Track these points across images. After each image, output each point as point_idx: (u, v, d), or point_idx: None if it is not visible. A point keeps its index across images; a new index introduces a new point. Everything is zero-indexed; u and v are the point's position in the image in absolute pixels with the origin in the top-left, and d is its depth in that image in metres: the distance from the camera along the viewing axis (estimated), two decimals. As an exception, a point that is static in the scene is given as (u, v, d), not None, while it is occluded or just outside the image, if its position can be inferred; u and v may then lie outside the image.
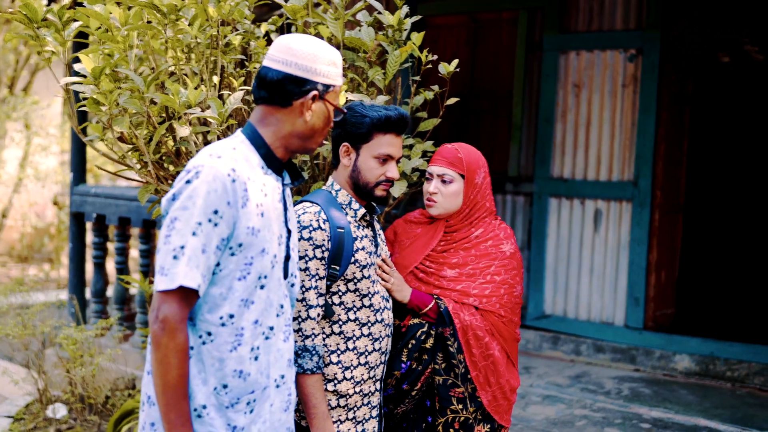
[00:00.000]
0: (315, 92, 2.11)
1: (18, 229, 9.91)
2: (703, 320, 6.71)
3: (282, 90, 2.10)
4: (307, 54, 2.11)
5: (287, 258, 2.18)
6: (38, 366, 4.82)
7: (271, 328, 2.12)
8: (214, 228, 1.94)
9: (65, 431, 4.66)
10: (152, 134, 2.89)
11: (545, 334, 6.20)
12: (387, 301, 2.64)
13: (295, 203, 2.51)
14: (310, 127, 2.14)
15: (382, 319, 2.58)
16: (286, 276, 2.18)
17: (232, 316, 2.02)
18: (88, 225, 5.81)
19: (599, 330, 6.07)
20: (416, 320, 2.75)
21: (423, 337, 2.72)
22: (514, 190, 6.59)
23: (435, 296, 2.77)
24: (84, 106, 2.86)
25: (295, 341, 2.37)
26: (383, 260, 2.65)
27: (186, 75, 3.07)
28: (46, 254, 10.20)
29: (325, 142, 2.86)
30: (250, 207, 2.01)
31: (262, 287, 2.07)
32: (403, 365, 2.70)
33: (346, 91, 2.90)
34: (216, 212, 1.94)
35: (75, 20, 2.97)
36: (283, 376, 2.17)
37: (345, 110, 2.23)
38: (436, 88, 3.28)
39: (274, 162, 2.15)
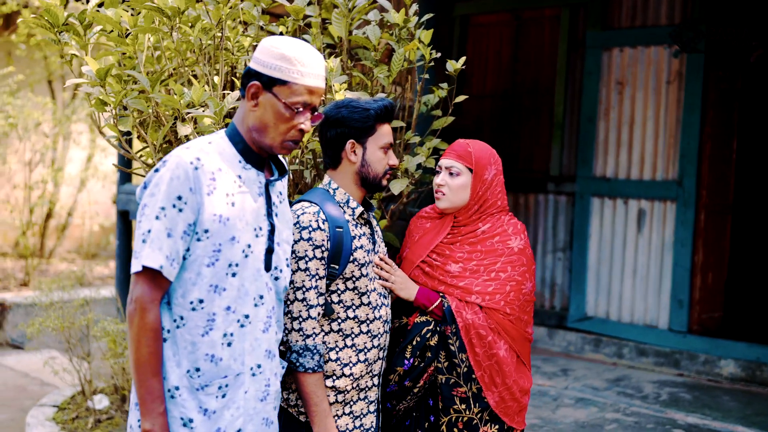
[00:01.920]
0: (256, 83, 2.13)
1: (84, 227, 10.30)
2: (752, 324, 6.46)
3: (243, 82, 2.19)
4: (265, 49, 2.16)
5: (270, 250, 2.22)
6: (83, 358, 5.01)
7: (247, 317, 2.17)
8: (179, 213, 2.04)
9: (105, 421, 4.83)
10: (164, 133, 2.98)
11: (587, 336, 6.08)
12: (385, 297, 2.65)
13: (294, 202, 2.55)
14: (258, 118, 2.17)
15: (380, 316, 2.59)
16: (268, 268, 2.22)
17: (201, 301, 2.10)
18: (134, 223, 6.01)
19: (642, 333, 5.92)
20: (423, 318, 2.75)
21: (428, 335, 2.71)
22: (555, 190, 6.48)
23: (441, 294, 2.76)
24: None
25: (296, 341, 2.41)
26: (381, 259, 2.67)
27: (195, 76, 3.15)
28: (111, 251, 10.57)
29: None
30: (217, 196, 2.09)
31: (233, 275, 2.13)
32: (407, 362, 2.70)
33: (345, 89, 2.93)
34: (180, 198, 2.04)
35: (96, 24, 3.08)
36: (260, 366, 2.22)
37: (322, 114, 2.25)
38: (445, 85, 3.27)
39: (251, 157, 2.21)
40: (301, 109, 2.16)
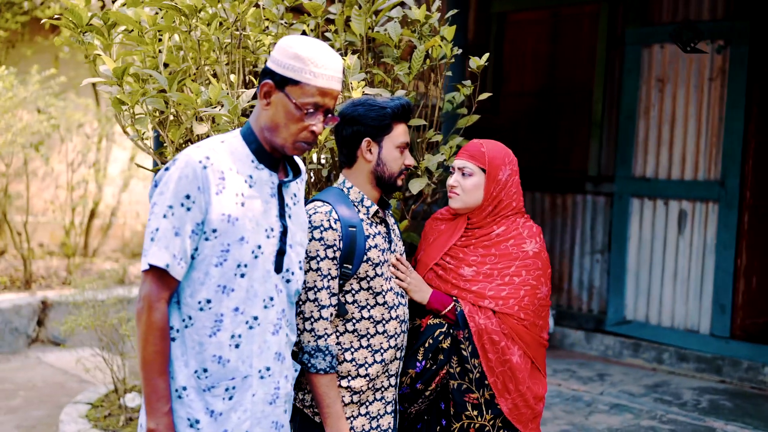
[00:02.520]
0: (268, 81, 2.11)
1: (127, 227, 10.46)
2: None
3: (259, 81, 2.17)
4: (280, 48, 2.13)
5: (281, 252, 2.19)
6: (118, 355, 5.06)
7: (256, 318, 2.15)
8: (187, 212, 2.03)
9: (136, 420, 4.87)
10: (183, 132, 2.97)
11: (625, 340, 5.93)
12: (402, 297, 2.61)
13: (307, 202, 2.52)
14: (270, 118, 2.14)
15: (397, 316, 2.55)
16: (279, 270, 2.19)
17: (209, 301, 2.08)
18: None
19: (683, 338, 5.74)
20: (436, 320, 2.70)
21: (441, 338, 2.66)
22: (594, 190, 6.33)
23: (454, 298, 2.71)
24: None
25: (308, 341, 2.39)
26: (398, 260, 2.62)
27: (216, 75, 3.14)
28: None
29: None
30: (226, 195, 2.07)
31: (242, 276, 2.11)
32: (419, 364, 2.66)
33: (365, 87, 2.88)
34: (188, 197, 2.03)
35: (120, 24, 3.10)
36: (269, 368, 2.19)
37: (336, 117, 2.21)
38: (468, 83, 3.19)
39: (265, 157, 2.18)
40: (312, 111, 2.12)
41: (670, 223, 5.87)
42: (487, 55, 3.13)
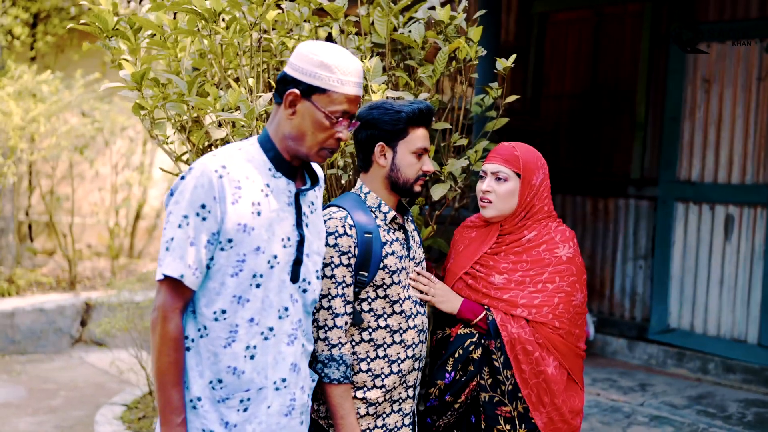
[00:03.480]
0: (294, 91, 2.07)
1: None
2: None
3: (278, 88, 2.13)
4: (300, 55, 2.10)
5: (298, 262, 2.15)
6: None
7: (271, 329, 2.12)
8: (203, 222, 2.01)
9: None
10: (204, 137, 2.96)
11: (669, 349, 5.74)
12: (421, 306, 2.54)
13: (323, 207, 2.47)
14: (296, 127, 2.10)
15: (415, 326, 2.48)
16: (295, 280, 2.16)
17: (224, 312, 2.06)
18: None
19: (729, 347, 5.53)
20: (466, 330, 2.61)
21: (471, 348, 2.57)
22: (636, 194, 6.15)
23: (485, 306, 2.62)
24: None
25: (322, 350, 2.35)
26: (418, 273, 2.55)
27: (238, 79, 3.11)
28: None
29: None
30: (242, 204, 2.04)
31: (258, 286, 2.08)
32: (447, 375, 2.57)
33: (386, 90, 2.82)
34: (203, 206, 2.00)
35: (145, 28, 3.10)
36: (284, 380, 2.15)
37: (357, 122, 2.17)
38: (495, 85, 3.10)
39: (283, 165, 2.15)
40: (340, 118, 2.09)
41: (717, 228, 5.66)
42: (514, 56, 3.04)
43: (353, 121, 2.16)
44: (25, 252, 8.38)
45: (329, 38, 3.32)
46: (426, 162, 2.45)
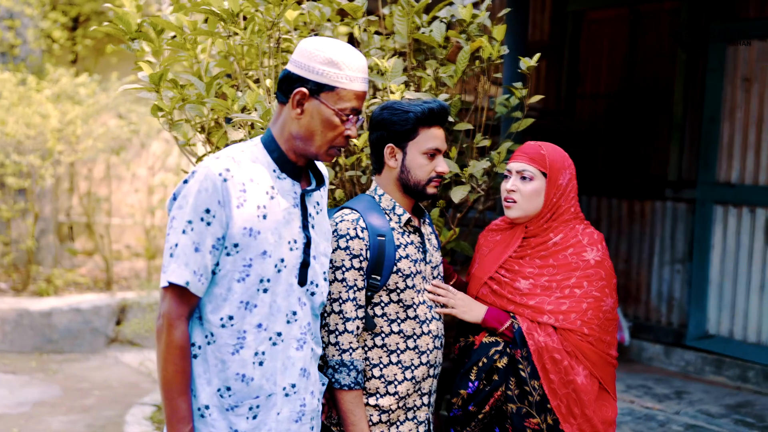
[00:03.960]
0: (302, 89, 2.03)
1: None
2: None
3: (282, 87, 2.09)
4: (306, 52, 2.05)
5: (305, 264, 2.11)
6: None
7: (279, 334, 2.08)
8: (207, 227, 1.96)
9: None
10: (223, 137, 2.94)
11: (707, 356, 5.57)
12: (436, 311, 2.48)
13: (336, 209, 2.43)
14: (304, 127, 2.06)
15: (429, 331, 2.42)
16: (303, 283, 2.11)
17: (231, 318, 2.02)
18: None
19: (770, 355, 5.36)
20: (491, 338, 2.53)
21: (496, 357, 2.49)
22: (674, 197, 5.99)
23: (511, 314, 2.54)
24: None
25: (333, 355, 2.31)
26: (435, 285, 2.48)
27: (258, 80, 3.09)
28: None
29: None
30: (247, 208, 2.00)
31: (265, 291, 2.04)
32: (471, 385, 2.49)
33: (404, 90, 2.77)
34: (208, 211, 1.96)
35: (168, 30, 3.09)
36: (294, 385, 2.11)
37: (362, 118, 2.13)
38: (519, 85, 3.03)
39: (287, 166, 2.11)
40: (350, 116, 2.05)
41: (757, 231, 5.48)
42: (538, 55, 2.96)
43: (361, 117, 2.12)
44: (64, 252, 8.52)
45: (351, 38, 3.29)
46: (440, 163, 2.38)
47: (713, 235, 5.69)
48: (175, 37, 3.01)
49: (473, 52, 3.06)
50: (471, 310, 2.52)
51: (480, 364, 2.49)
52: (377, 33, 3.54)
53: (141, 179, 8.85)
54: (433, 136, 2.37)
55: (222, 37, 2.89)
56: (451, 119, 2.78)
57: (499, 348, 2.49)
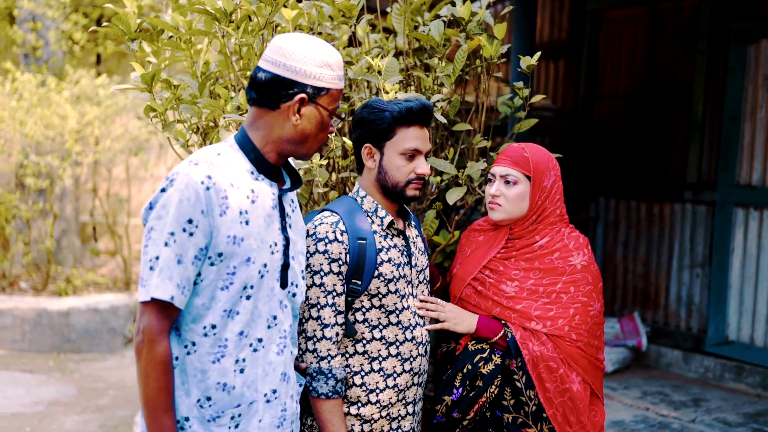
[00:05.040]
0: (303, 95, 1.99)
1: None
2: None
3: (270, 92, 2.01)
4: (296, 55, 1.99)
5: (285, 266, 2.07)
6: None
7: (260, 340, 2.03)
8: (190, 238, 1.89)
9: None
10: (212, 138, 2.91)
11: (727, 362, 5.44)
12: (420, 317, 2.41)
13: (317, 212, 2.38)
14: (300, 131, 2.02)
15: (413, 338, 2.36)
16: (285, 285, 2.07)
17: (214, 327, 1.96)
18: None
19: (792, 362, 5.20)
20: (477, 345, 2.49)
21: (480, 363, 2.45)
22: (693, 199, 5.86)
23: (503, 322, 2.49)
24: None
25: (310, 362, 2.25)
26: (422, 300, 2.43)
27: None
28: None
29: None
30: (230, 215, 1.94)
31: (248, 297, 1.99)
32: (456, 391, 2.45)
33: (398, 91, 2.71)
34: (190, 221, 1.89)
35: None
36: (275, 391, 2.07)
37: (341, 116, 2.09)
38: (520, 84, 2.96)
39: (265, 167, 2.06)
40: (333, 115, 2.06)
41: (779, 235, 5.34)
42: (538, 54, 2.89)
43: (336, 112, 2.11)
44: (87, 252, 8.59)
45: (352, 37, 3.24)
46: (420, 164, 2.30)
47: (734, 239, 5.55)
48: (172, 37, 2.99)
49: (475, 51, 3.00)
50: (463, 321, 2.48)
51: (465, 370, 2.46)
52: (385, 30, 3.49)
53: (160, 180, 8.90)
54: (412, 136, 2.28)
55: (217, 37, 2.86)
56: (444, 120, 2.71)
57: (485, 355, 2.46)
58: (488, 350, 2.46)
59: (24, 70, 7.86)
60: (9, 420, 5.26)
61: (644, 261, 6.15)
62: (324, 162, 2.68)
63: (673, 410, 4.83)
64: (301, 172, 2.79)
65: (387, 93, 2.67)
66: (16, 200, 7.25)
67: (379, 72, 2.72)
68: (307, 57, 1.99)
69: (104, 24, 3.11)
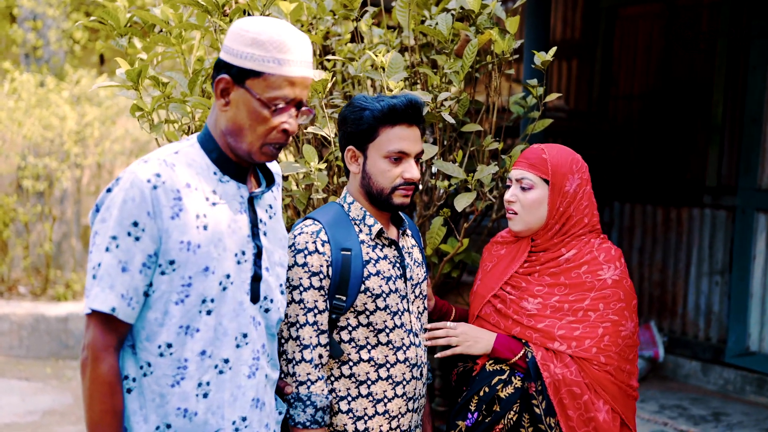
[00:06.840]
0: (225, 76, 1.76)
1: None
2: None
3: (213, 76, 1.82)
4: (233, 34, 1.78)
5: (257, 278, 1.85)
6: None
7: (226, 361, 1.81)
8: (135, 242, 1.70)
9: None
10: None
11: (748, 374, 5.21)
12: (415, 336, 2.18)
13: (300, 221, 2.18)
14: (232, 121, 1.80)
15: (406, 359, 2.13)
16: (256, 299, 1.85)
17: (170, 346, 1.76)
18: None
19: (817, 375, 4.98)
20: (495, 366, 2.28)
21: (499, 386, 2.23)
22: (712, 203, 5.64)
23: (524, 342, 2.27)
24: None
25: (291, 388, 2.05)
26: (428, 329, 2.24)
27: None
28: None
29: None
30: (184, 218, 1.73)
31: (208, 312, 1.77)
32: (470, 416, 2.24)
33: (402, 88, 2.52)
34: (135, 224, 1.70)
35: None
36: (244, 419, 1.85)
37: (310, 109, 1.85)
38: (534, 82, 2.76)
39: (230, 167, 1.84)
40: (281, 106, 1.77)
41: (803, 241, 5.12)
42: (554, 48, 2.69)
43: (305, 108, 1.83)
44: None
45: (354, 33, 3.06)
46: (408, 168, 2.09)
47: (755, 245, 5.32)
48: (162, 31, 2.82)
49: (485, 47, 2.81)
50: (478, 341, 2.28)
51: (481, 393, 2.25)
52: (390, 28, 3.32)
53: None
54: (397, 137, 2.07)
55: (209, 31, 2.67)
56: (452, 120, 2.52)
57: (504, 377, 2.25)
58: (508, 372, 2.26)
59: (24, 70, 7.71)
60: (1, 431, 5.10)
61: (661, 268, 5.94)
62: (323, 165, 2.49)
63: (693, 425, 4.61)
64: (300, 177, 2.60)
65: (391, 90, 2.48)
66: (14, 203, 7.10)
67: (383, 68, 2.53)
68: (237, 35, 1.77)
69: (91, 18, 2.93)
